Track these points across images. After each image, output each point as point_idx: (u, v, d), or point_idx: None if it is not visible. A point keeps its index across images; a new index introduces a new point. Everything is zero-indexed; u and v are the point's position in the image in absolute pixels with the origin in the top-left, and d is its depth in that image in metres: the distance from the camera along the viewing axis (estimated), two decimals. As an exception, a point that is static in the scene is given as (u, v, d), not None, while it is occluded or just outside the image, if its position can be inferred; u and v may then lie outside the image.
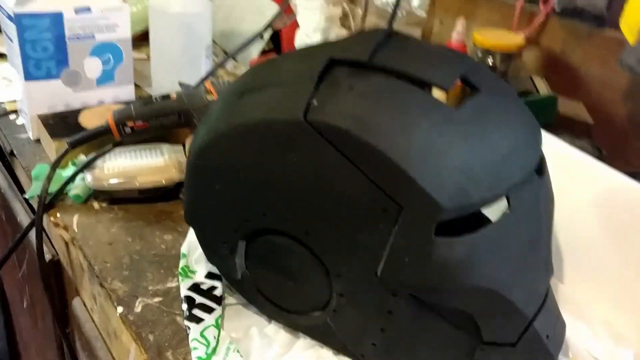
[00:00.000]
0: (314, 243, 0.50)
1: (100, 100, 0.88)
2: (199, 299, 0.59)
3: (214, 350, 0.54)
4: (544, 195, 0.52)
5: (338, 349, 0.55)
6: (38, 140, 0.86)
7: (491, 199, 0.46)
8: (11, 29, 0.79)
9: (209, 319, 0.57)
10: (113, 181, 0.73)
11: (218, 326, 0.56)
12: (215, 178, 0.52)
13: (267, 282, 0.56)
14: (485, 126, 0.47)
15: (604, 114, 0.84)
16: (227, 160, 0.51)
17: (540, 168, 0.52)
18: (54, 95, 0.84)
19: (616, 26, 0.73)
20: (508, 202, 0.47)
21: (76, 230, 0.69)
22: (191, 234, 0.67)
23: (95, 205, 0.74)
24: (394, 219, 0.45)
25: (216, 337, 0.55)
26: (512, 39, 0.87)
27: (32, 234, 0.71)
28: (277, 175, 0.48)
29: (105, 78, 0.87)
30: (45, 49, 0.81)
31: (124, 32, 0.85)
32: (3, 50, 1.07)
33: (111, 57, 0.86)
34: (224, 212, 0.54)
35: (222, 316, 0.58)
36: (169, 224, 0.71)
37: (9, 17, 0.78)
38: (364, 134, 0.44)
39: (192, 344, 0.54)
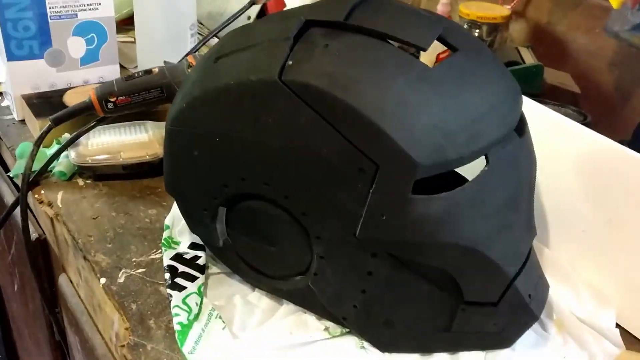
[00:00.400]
0: (293, 206, 0.50)
1: (85, 80, 0.87)
2: (181, 268, 0.58)
3: (196, 316, 0.54)
4: (524, 155, 0.51)
5: (320, 313, 0.55)
6: (23, 121, 0.85)
7: (468, 157, 0.46)
8: (-8, 8, 0.79)
9: (191, 286, 0.56)
10: (97, 157, 0.72)
11: (201, 294, 0.56)
12: (192, 144, 0.52)
13: (249, 248, 0.56)
14: (462, 84, 0.47)
15: (591, 82, 0.84)
16: (203, 125, 0.51)
17: (521, 128, 0.52)
18: (38, 75, 0.83)
19: (601, -6, 0.72)
20: (487, 160, 0.47)
21: (60, 206, 0.69)
22: (175, 207, 0.66)
23: (80, 182, 0.74)
24: (371, 178, 0.45)
25: (198, 304, 0.55)
26: (497, 10, 0.87)
27: (18, 214, 0.71)
28: (253, 137, 0.48)
29: (90, 57, 0.86)
30: (27, 28, 0.80)
31: (107, 11, 0.85)
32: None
33: (95, 36, 0.85)
34: (202, 179, 0.54)
35: (205, 284, 0.58)
36: (154, 198, 0.71)
37: (-10, -4, 0.78)
38: (338, 92, 0.44)
39: (173, 311, 0.54)
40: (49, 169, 0.74)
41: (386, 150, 0.43)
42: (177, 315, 0.53)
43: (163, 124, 0.77)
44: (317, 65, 0.46)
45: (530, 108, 0.67)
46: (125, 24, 1.11)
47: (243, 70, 0.48)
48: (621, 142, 0.62)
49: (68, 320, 0.74)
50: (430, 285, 0.49)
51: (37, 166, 0.72)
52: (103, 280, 0.59)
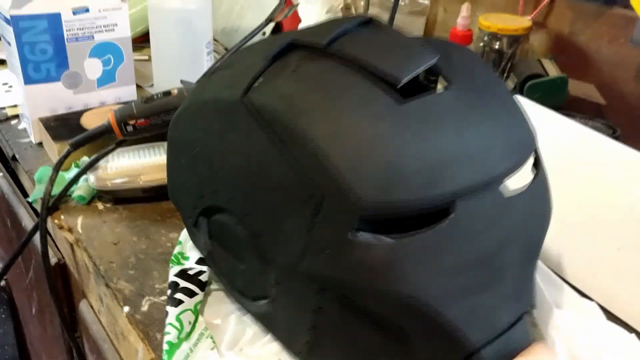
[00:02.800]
0: (251, 225, 0.48)
1: (101, 102, 0.87)
2: (182, 284, 0.58)
3: (187, 335, 0.53)
4: (516, 213, 0.45)
5: (284, 343, 0.52)
6: (40, 144, 0.85)
7: (423, 202, 0.41)
8: (8, 32, 0.78)
9: (188, 302, 0.56)
10: (116, 181, 0.71)
11: (196, 312, 0.55)
12: (180, 152, 0.54)
13: (224, 261, 0.55)
14: (434, 123, 0.42)
15: (616, 93, 0.82)
16: (187, 135, 0.53)
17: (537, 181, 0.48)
18: (55, 97, 0.83)
19: (625, 4, 0.71)
20: (450, 211, 0.42)
21: (80, 231, 0.68)
22: None
23: (100, 205, 0.73)
24: (317, 208, 0.42)
25: (191, 322, 0.54)
26: (518, 21, 0.85)
27: (37, 238, 0.70)
28: (220, 153, 0.49)
29: (106, 79, 0.86)
30: (44, 51, 0.79)
31: (123, 31, 0.84)
32: (2, 56, 1.07)
33: (111, 57, 0.85)
34: (187, 187, 0.55)
35: (202, 302, 0.57)
36: (174, 222, 0.70)
37: (6, 20, 0.77)
38: (293, 115, 0.42)
39: (166, 329, 0.53)
40: (68, 193, 0.73)
41: (331, 181, 0.41)
42: (167, 333, 0.52)
43: (182, 145, 0.76)
44: (279, 87, 0.44)
45: (558, 122, 0.65)
46: (140, 41, 1.11)
47: (220, 86, 0.49)
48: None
49: (89, 347, 0.73)
50: (383, 336, 0.45)
51: (56, 190, 0.71)
52: (126, 308, 0.58)
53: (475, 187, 0.42)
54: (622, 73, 0.82)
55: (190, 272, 0.59)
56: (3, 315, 1.12)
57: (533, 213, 0.47)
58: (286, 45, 0.46)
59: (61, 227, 0.70)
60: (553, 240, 0.63)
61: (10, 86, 0.97)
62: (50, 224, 0.73)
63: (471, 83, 0.46)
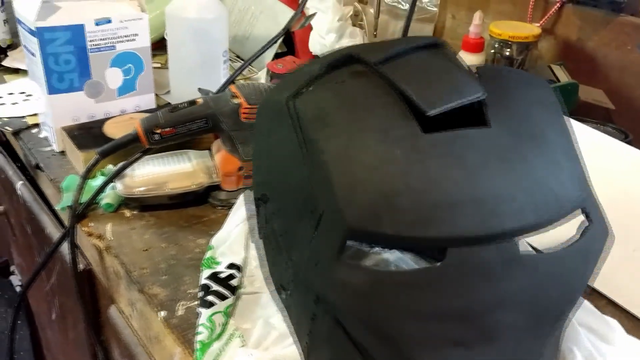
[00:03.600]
0: (279, 221, 0.50)
1: (122, 110, 0.89)
2: (214, 287, 0.60)
3: (219, 335, 0.55)
4: (530, 273, 0.41)
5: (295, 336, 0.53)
6: (62, 152, 0.86)
7: (411, 240, 0.40)
8: (33, 43, 0.80)
9: (219, 305, 0.58)
10: (143, 188, 0.73)
11: (227, 314, 0.57)
12: (255, 141, 0.55)
13: (269, 246, 0.55)
14: (448, 161, 0.40)
15: (625, 98, 0.85)
16: (256, 127, 0.54)
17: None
18: (77, 107, 0.85)
19: (632, 12, 0.73)
20: (443, 254, 0.40)
21: (111, 238, 0.70)
22: (222, 229, 0.68)
23: (127, 213, 0.74)
24: (318, 221, 0.43)
25: (222, 324, 0.56)
26: (528, 29, 0.88)
27: (63, 245, 0.72)
28: (265, 149, 0.51)
29: (127, 88, 0.88)
30: (68, 61, 0.81)
31: (143, 41, 0.86)
32: (18, 65, 1.09)
33: (132, 67, 0.87)
34: (254, 173, 0.57)
35: (233, 305, 0.59)
36: (201, 228, 0.72)
37: (31, 32, 0.79)
38: (317, 126, 0.44)
39: (198, 329, 0.55)
40: (95, 200, 0.74)
41: (329, 198, 0.41)
42: (199, 333, 0.55)
43: (206, 152, 0.78)
44: (321, 97, 0.45)
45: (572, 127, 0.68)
46: (152, 49, 1.12)
47: (279, 88, 0.50)
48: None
49: (119, 352, 0.74)
50: (362, 358, 0.44)
51: (83, 198, 0.73)
52: (162, 313, 0.59)
53: (475, 238, 0.39)
54: (630, 79, 0.84)
55: (221, 276, 0.61)
56: (19, 321, 1.13)
57: (556, 279, 0.43)
58: (346, 57, 0.47)
59: (90, 234, 0.71)
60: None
61: (29, 95, 0.99)
62: (77, 230, 0.75)
63: (516, 125, 0.43)
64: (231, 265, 0.62)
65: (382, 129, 0.42)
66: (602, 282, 0.63)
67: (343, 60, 0.48)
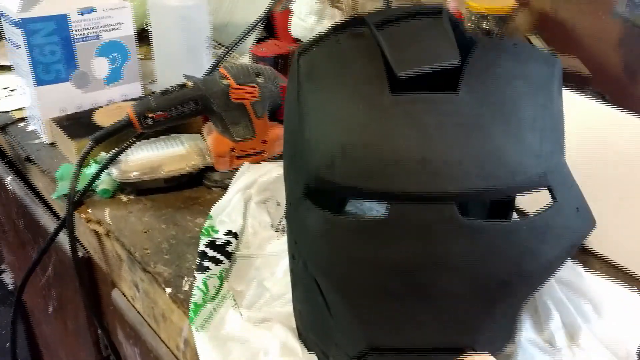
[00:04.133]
0: (284, 164, 0.53)
1: (110, 99, 0.89)
2: (210, 253, 0.62)
3: (212, 297, 0.58)
4: (476, 242, 0.41)
5: None
6: (52, 144, 0.87)
7: (358, 192, 0.43)
8: (17, 35, 0.80)
9: (214, 269, 0.60)
10: (139, 173, 0.74)
11: (222, 277, 0.60)
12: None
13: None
14: (406, 121, 0.42)
15: (600, 65, 0.88)
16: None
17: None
18: (65, 97, 0.85)
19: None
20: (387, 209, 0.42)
21: (110, 222, 0.71)
22: (221, 199, 0.70)
23: (123, 198, 0.75)
24: (296, 163, 0.47)
25: (216, 287, 0.59)
26: (503, 1, 0.90)
27: (59, 237, 0.72)
28: (287, 100, 0.52)
29: (114, 77, 0.88)
30: (53, 52, 0.81)
31: (128, 30, 0.86)
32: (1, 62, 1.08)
33: (118, 56, 0.87)
34: None
35: (228, 270, 0.61)
36: (198, 208, 0.73)
37: (14, 23, 0.79)
38: (308, 78, 0.47)
39: (193, 291, 0.58)
40: (92, 187, 0.75)
41: (303, 146, 0.46)
42: (194, 295, 0.58)
43: (197, 135, 0.79)
44: (318, 53, 0.48)
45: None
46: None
47: (300, 48, 0.51)
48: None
49: (124, 334, 0.75)
50: (322, 298, 0.47)
51: (79, 186, 0.74)
52: (169, 289, 0.61)
53: (417, 195, 0.40)
54: (604, 46, 0.87)
55: (218, 242, 0.64)
56: (14, 318, 1.13)
57: (500, 250, 0.42)
58: (351, 19, 0.49)
59: (89, 221, 0.72)
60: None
61: (12, 90, 0.99)
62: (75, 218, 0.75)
63: (486, 95, 0.43)
64: (228, 233, 0.65)
65: (355, 85, 0.44)
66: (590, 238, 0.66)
67: (348, 23, 0.49)
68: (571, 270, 0.61)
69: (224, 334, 0.55)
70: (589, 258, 0.66)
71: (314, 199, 0.45)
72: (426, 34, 0.47)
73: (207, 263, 0.61)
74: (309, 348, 0.52)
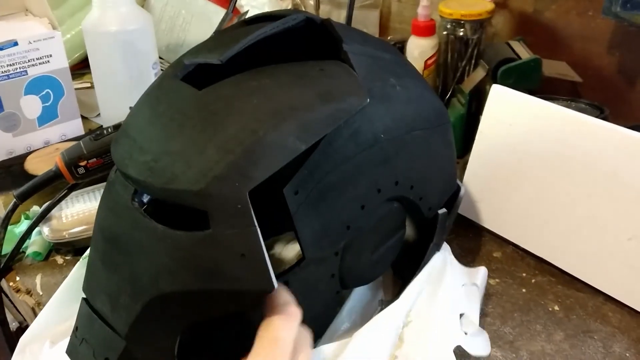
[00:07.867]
0: None
1: (46, 141, 0.79)
2: None
3: None
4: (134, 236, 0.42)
5: None
6: (-18, 197, 0.77)
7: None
8: None
9: None
10: (74, 230, 0.64)
11: None
12: None
13: None
14: (144, 110, 0.46)
15: (591, 69, 0.79)
16: None
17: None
18: (-8, 143, 0.75)
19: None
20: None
21: (41, 293, 0.61)
22: None
23: (59, 259, 0.65)
24: None
25: None
26: (480, 5, 0.81)
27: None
28: None
29: (48, 116, 0.78)
30: (-27, 94, 0.72)
31: (60, 62, 0.76)
32: None
33: (50, 92, 0.77)
34: None
35: None
36: (146, 267, 0.63)
37: None
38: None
39: None
40: (21, 249, 0.65)
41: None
42: None
43: (142, 180, 0.70)
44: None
45: (538, 108, 0.61)
46: (79, 68, 1.03)
47: None
48: (634, 127, 0.57)
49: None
50: None
51: (7, 249, 0.64)
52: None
53: (120, 170, 0.44)
54: (596, 47, 0.78)
55: None
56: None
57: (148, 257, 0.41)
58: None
59: (18, 291, 0.62)
60: (558, 236, 0.60)
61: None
62: (5, 285, 0.66)
63: (215, 98, 0.43)
64: None
65: (156, 83, 0.49)
66: (596, 277, 0.58)
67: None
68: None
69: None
70: (605, 304, 0.57)
71: None
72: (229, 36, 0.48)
73: None
74: None
